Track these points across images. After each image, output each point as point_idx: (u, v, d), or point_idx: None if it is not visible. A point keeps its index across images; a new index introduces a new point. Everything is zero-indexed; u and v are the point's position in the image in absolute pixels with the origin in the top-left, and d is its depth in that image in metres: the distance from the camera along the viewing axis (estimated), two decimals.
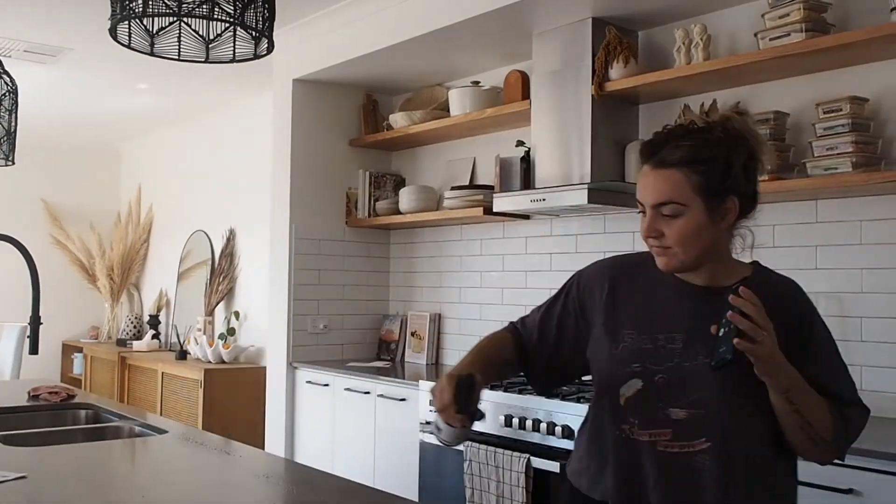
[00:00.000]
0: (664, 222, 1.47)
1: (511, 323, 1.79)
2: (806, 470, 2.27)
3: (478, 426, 3.32)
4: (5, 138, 3.23)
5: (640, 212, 1.52)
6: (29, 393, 2.90)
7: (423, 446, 3.42)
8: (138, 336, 6.90)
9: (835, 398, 1.48)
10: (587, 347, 1.64)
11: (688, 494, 1.48)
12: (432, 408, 1.57)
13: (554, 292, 1.76)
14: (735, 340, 1.35)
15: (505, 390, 3.12)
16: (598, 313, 1.62)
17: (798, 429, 1.44)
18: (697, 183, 1.45)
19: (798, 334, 1.49)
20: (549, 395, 2.89)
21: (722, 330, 1.39)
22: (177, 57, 1.97)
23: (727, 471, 1.47)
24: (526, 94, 3.75)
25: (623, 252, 3.45)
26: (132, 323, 7.05)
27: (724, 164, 1.46)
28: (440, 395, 1.52)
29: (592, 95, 3.31)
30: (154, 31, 1.90)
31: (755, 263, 1.59)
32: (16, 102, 3.27)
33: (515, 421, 3.01)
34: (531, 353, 1.72)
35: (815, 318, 1.55)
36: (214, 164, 6.44)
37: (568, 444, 2.85)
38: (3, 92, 3.21)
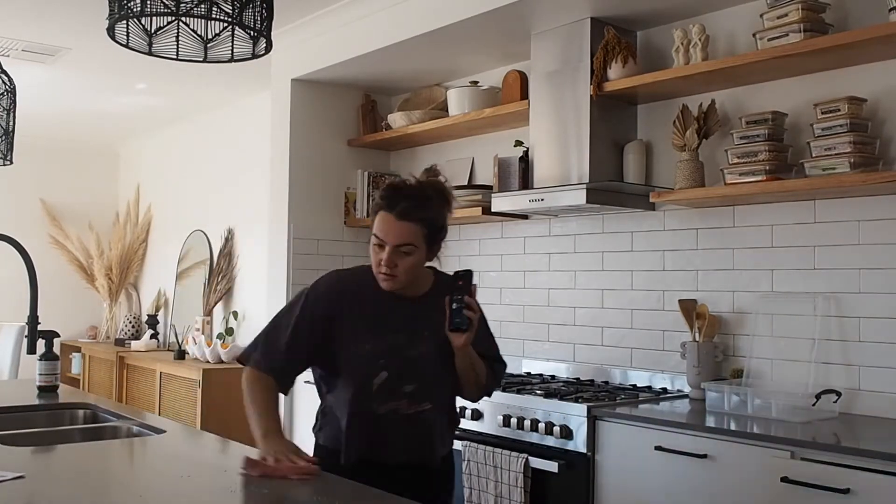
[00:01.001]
0: (399, 257, 1.99)
1: (257, 366, 2.11)
2: (804, 470, 2.28)
3: (476, 426, 3.31)
4: (3, 138, 3.23)
5: (375, 244, 2.01)
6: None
7: None
8: (136, 336, 6.90)
9: (487, 357, 2.16)
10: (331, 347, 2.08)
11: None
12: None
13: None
14: (466, 311, 1.98)
15: (503, 390, 3.12)
16: (342, 324, 2.07)
17: (472, 380, 2.11)
18: (425, 234, 2.00)
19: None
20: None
21: (455, 304, 1.99)
22: (175, 57, 1.97)
23: (439, 418, 2.12)
24: (524, 95, 3.75)
25: (620, 252, 3.44)
26: (130, 323, 7.05)
27: (439, 221, 2.03)
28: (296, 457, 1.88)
29: (591, 95, 3.32)
30: (152, 31, 1.90)
31: (433, 269, 2.15)
32: (14, 102, 3.27)
33: (514, 421, 3.01)
34: (286, 382, 2.13)
35: (482, 311, 2.11)
36: (213, 164, 6.44)
37: (567, 444, 2.85)
38: (2, 91, 3.21)
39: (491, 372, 2.17)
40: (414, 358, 2.06)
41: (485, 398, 2.22)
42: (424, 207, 2.00)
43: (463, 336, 2.00)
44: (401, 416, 2.05)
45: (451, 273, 2.06)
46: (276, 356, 2.08)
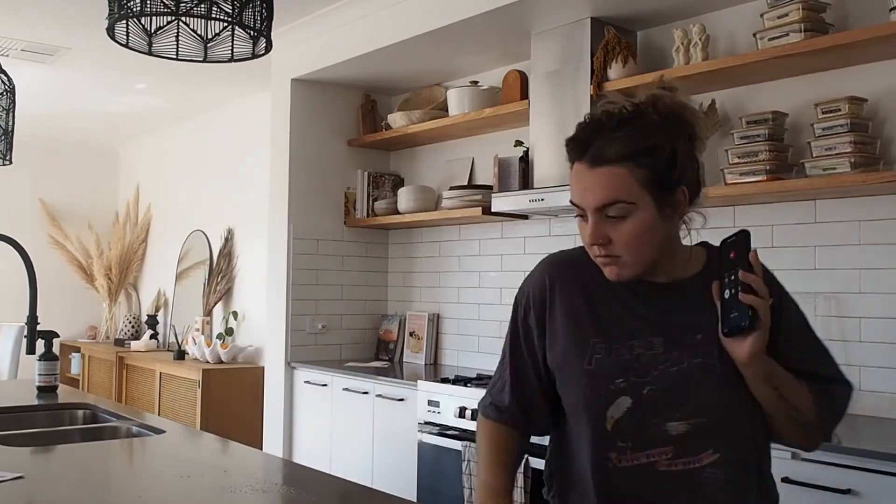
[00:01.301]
0: (610, 226, 1.30)
1: (492, 416, 1.53)
2: (804, 470, 2.28)
3: (475, 426, 3.30)
4: (3, 138, 3.23)
5: (577, 216, 1.35)
6: None
7: (422, 446, 3.41)
8: (136, 336, 6.90)
9: (814, 378, 1.36)
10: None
11: None
12: None
13: None
14: (742, 295, 1.22)
15: None
16: (554, 327, 1.43)
17: (787, 416, 1.33)
18: (644, 177, 1.27)
19: (772, 313, 1.27)
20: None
21: (728, 292, 1.25)
22: (175, 56, 1.96)
23: (737, 481, 1.32)
24: (525, 94, 3.75)
25: None
26: (130, 323, 7.04)
27: (669, 152, 1.28)
28: None
29: (591, 95, 3.31)
30: (152, 31, 1.90)
31: (706, 244, 1.42)
32: (13, 102, 3.27)
33: None
34: (531, 424, 1.52)
35: (784, 293, 1.38)
36: (213, 164, 6.43)
37: None
38: (1, 91, 3.21)
39: (822, 398, 1.34)
40: (679, 376, 1.30)
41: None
42: (634, 137, 1.27)
43: (746, 341, 1.23)
44: (661, 475, 1.29)
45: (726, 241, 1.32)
46: (501, 397, 1.50)
